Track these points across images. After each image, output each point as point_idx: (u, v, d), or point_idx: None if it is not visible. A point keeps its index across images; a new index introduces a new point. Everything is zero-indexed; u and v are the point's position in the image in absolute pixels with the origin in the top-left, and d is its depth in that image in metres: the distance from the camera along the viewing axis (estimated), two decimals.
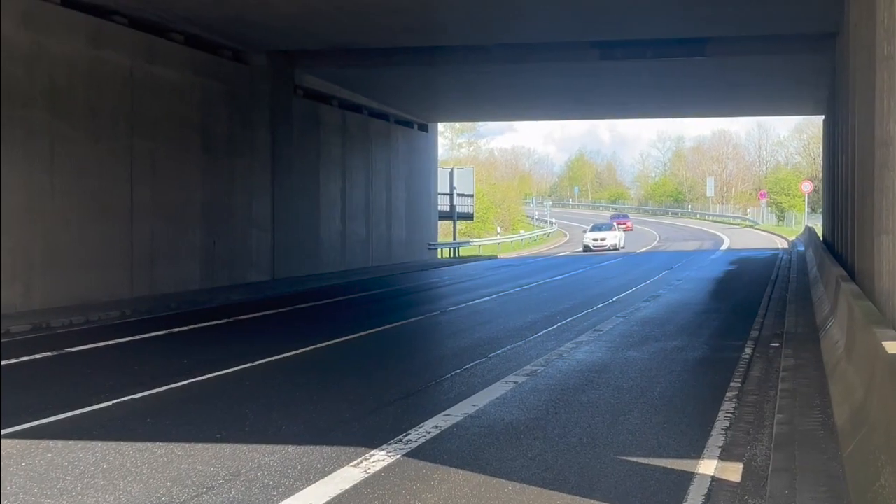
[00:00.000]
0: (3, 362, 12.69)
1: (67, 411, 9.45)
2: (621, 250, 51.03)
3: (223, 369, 12.05)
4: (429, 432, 8.54)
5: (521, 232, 72.38)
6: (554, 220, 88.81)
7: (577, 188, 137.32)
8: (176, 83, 23.06)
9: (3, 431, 8.54)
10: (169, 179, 22.75)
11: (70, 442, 8.21)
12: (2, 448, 7.95)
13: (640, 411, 9.53)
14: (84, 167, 19.83)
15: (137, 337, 15.61)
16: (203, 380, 11.39)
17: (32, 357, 13.27)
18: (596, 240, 53.93)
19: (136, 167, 21.49)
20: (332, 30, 24.12)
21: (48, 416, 9.20)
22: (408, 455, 7.76)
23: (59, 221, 19.11)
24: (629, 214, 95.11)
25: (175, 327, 16.91)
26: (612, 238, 53.92)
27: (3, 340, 14.92)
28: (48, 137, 18.80)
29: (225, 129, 25.37)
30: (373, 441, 8.18)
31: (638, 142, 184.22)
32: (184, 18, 22.42)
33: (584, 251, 51.71)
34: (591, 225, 59.57)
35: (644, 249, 53.75)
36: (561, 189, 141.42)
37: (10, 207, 17.77)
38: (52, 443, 8.19)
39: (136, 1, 20.60)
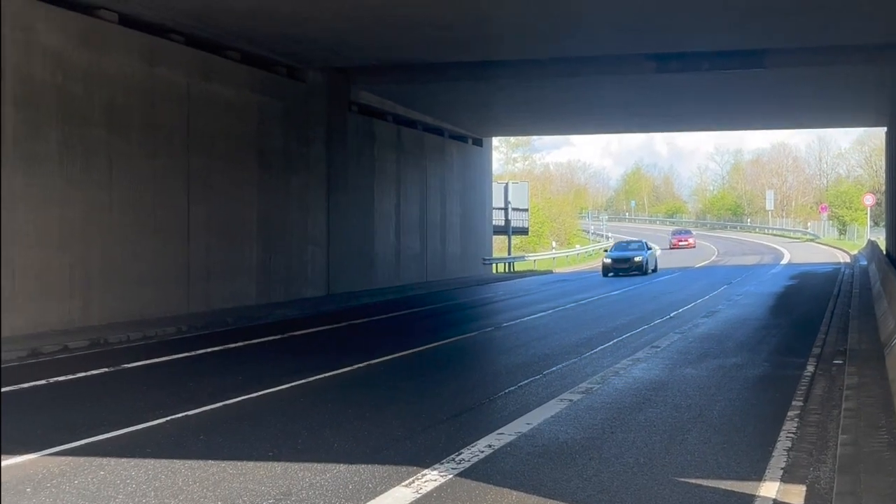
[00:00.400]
0: (62, 378, 12.84)
1: (122, 428, 9.47)
2: (650, 273, 42.27)
3: (277, 386, 12.04)
4: (482, 451, 8.41)
5: (577, 246, 71.92)
6: (610, 235, 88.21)
7: (633, 202, 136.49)
8: (232, 100, 23.25)
9: (58, 448, 8.59)
10: (225, 195, 22.92)
11: (123, 459, 8.22)
12: (43, 467, 7.99)
13: (699, 431, 9.32)
14: (141, 183, 20.05)
15: (193, 353, 15.69)
16: (257, 396, 11.38)
17: (89, 373, 13.37)
18: (617, 260, 42.52)
19: (192, 183, 21.69)
20: (385, 46, 24.18)
21: (102, 433, 9.22)
22: (460, 475, 7.64)
23: (116, 237, 19.33)
24: (691, 230, 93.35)
25: (230, 343, 16.98)
26: (639, 258, 42.54)
27: (61, 356, 15.12)
28: (106, 154, 19.04)
29: (280, 145, 25.53)
30: (425, 460, 8.07)
31: (695, 155, 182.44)
32: (239, 36, 22.61)
33: (604, 275, 41.68)
34: (615, 243, 48.87)
35: (702, 264, 53.12)
36: (617, 203, 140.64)
37: (70, 223, 18.03)
38: (105, 460, 8.19)
39: (192, 19, 20.82)
